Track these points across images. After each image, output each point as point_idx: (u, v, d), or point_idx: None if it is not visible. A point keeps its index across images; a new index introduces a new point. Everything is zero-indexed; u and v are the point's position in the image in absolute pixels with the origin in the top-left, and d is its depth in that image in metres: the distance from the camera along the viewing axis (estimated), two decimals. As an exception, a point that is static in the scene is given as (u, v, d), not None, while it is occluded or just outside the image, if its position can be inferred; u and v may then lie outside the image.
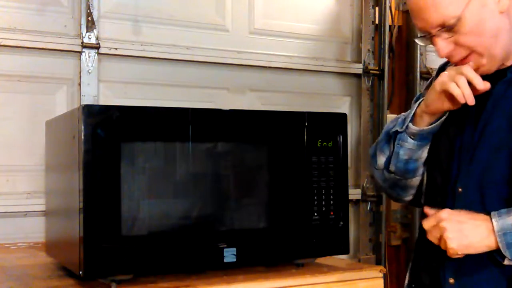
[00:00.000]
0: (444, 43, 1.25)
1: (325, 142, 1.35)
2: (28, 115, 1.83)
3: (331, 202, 1.35)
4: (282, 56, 2.22)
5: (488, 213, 1.19)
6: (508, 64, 1.29)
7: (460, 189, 1.28)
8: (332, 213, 1.35)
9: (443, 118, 1.29)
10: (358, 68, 2.39)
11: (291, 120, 1.35)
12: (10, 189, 1.81)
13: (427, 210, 1.25)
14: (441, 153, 1.35)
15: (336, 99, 2.36)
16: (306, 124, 1.34)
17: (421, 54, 2.47)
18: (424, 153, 1.34)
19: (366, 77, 2.40)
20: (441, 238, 1.20)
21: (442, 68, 1.42)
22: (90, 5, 1.88)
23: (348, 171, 1.45)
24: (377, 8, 2.42)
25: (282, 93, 2.20)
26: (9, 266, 1.45)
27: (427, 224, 1.23)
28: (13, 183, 1.81)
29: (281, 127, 1.33)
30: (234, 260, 1.25)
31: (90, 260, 1.15)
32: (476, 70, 1.25)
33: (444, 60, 1.38)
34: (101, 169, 1.16)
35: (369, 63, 2.40)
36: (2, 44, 1.78)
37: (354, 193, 2.35)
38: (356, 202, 2.40)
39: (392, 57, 2.45)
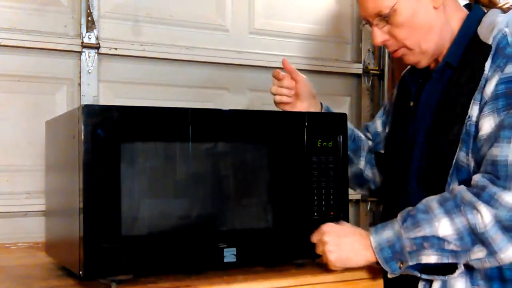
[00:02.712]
0: (379, 32, 1.35)
1: (325, 142, 1.35)
2: (28, 115, 1.83)
3: (331, 202, 1.35)
4: (282, 56, 2.21)
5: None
6: (440, 58, 1.35)
7: (408, 188, 1.36)
8: (332, 213, 1.35)
9: None
10: (358, 68, 2.39)
11: (291, 120, 1.35)
12: (10, 189, 1.81)
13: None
14: (391, 152, 1.47)
15: (336, 99, 2.36)
16: (306, 124, 1.34)
17: (421, 54, 2.47)
18: None
19: (366, 77, 2.40)
20: (323, 251, 1.26)
21: (403, 77, 1.54)
22: (90, 5, 1.88)
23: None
24: (377, 8, 2.42)
25: (282, 93, 2.20)
26: (9, 266, 1.45)
27: (313, 237, 1.29)
28: (13, 183, 1.81)
29: (281, 127, 1.33)
30: (234, 260, 1.25)
31: (90, 260, 1.15)
32: (406, 61, 1.37)
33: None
34: (101, 169, 1.16)
35: (369, 63, 2.40)
36: (2, 44, 1.78)
37: (354, 193, 2.34)
38: (356, 202, 2.40)
39: (392, 57, 2.45)
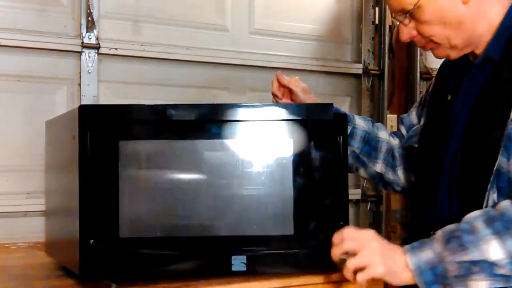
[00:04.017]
0: (405, 29, 1.27)
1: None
2: (28, 115, 1.83)
3: (331, 202, 1.34)
4: (282, 56, 2.22)
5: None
6: (478, 51, 1.26)
7: (437, 194, 1.27)
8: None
9: None
10: (358, 68, 2.39)
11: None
12: (10, 189, 1.81)
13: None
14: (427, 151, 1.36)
15: (336, 99, 2.36)
16: (306, 124, 1.33)
17: (421, 54, 2.47)
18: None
19: (366, 77, 2.40)
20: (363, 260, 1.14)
21: (441, 68, 1.42)
22: (90, 5, 1.88)
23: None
24: (377, 8, 2.43)
25: (282, 93, 2.20)
26: (9, 266, 1.45)
27: (345, 244, 1.16)
28: (12, 183, 1.81)
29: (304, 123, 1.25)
30: (244, 269, 1.19)
31: (86, 260, 1.14)
32: (435, 55, 1.29)
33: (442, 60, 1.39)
34: (97, 169, 1.15)
35: (369, 63, 2.40)
36: (2, 44, 1.78)
37: (354, 193, 2.35)
38: (356, 202, 2.40)
39: (392, 57, 2.45)
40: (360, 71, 2.40)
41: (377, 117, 2.41)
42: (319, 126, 1.23)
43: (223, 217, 1.22)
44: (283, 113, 1.22)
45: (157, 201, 1.20)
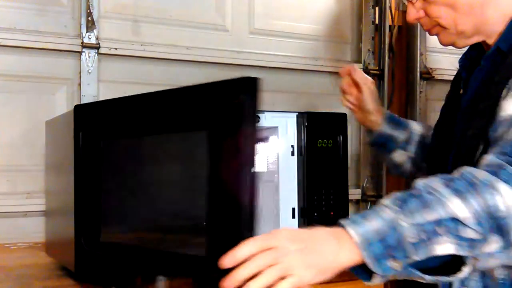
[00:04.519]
0: (413, 10, 1.22)
1: (325, 142, 1.34)
2: (28, 115, 1.83)
3: (331, 202, 1.35)
4: (282, 56, 2.22)
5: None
6: (490, 42, 1.20)
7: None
8: (332, 213, 1.34)
9: None
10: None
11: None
12: (10, 189, 1.81)
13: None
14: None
15: (336, 99, 2.35)
16: (306, 124, 1.34)
17: (421, 54, 2.47)
18: None
19: (366, 77, 2.40)
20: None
21: (459, 62, 1.33)
22: (90, 5, 1.88)
23: (348, 171, 1.45)
24: (377, 8, 2.42)
25: (282, 93, 2.20)
26: (9, 266, 1.45)
27: (258, 259, 0.86)
28: (13, 183, 1.81)
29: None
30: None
31: (81, 262, 1.14)
32: (440, 41, 1.22)
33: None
34: (88, 170, 1.14)
35: (369, 63, 2.40)
36: (2, 44, 1.78)
37: (354, 193, 2.34)
38: (356, 202, 2.39)
39: (392, 57, 2.45)
40: (360, 71, 2.39)
41: (377, 117, 2.41)
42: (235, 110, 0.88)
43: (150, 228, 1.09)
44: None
45: (131, 204, 1.12)
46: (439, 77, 2.46)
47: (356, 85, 1.44)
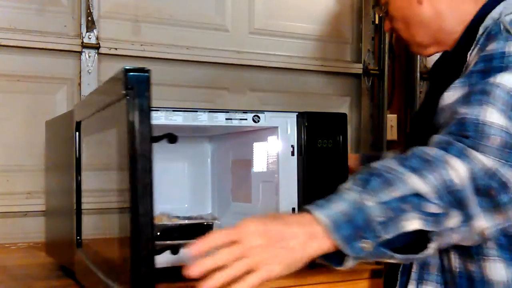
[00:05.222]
0: (387, 22, 1.37)
1: (325, 142, 1.34)
2: (28, 115, 1.83)
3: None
4: (282, 56, 2.22)
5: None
6: (449, 48, 1.27)
7: None
8: (332, 213, 1.34)
9: None
10: (358, 68, 2.39)
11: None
12: (10, 189, 1.81)
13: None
14: None
15: (336, 99, 2.36)
16: (306, 124, 1.34)
17: (421, 54, 2.47)
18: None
19: (366, 77, 2.40)
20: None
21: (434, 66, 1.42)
22: (90, 5, 1.88)
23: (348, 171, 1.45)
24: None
25: (282, 93, 2.20)
26: (9, 266, 1.45)
27: (222, 254, 0.86)
28: (13, 183, 1.81)
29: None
30: None
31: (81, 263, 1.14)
32: (410, 50, 1.36)
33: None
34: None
35: (369, 63, 2.40)
36: (2, 44, 1.78)
37: (354, 193, 2.34)
38: (356, 202, 2.39)
39: (392, 57, 2.45)
40: (360, 71, 2.39)
41: (377, 117, 2.41)
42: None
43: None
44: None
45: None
46: (439, 77, 2.47)
47: None
